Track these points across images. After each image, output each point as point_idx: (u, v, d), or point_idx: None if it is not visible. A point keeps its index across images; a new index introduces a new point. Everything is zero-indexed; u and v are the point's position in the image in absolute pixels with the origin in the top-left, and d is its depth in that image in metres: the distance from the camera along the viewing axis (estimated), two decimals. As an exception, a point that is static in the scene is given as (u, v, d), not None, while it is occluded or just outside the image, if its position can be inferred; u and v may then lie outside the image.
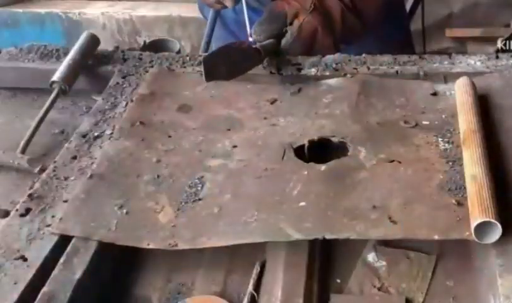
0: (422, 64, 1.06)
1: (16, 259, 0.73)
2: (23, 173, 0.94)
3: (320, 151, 0.90)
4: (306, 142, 0.90)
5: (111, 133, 0.95)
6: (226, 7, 1.22)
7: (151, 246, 0.74)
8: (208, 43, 1.47)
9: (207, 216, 0.78)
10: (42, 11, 3.18)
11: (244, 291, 0.73)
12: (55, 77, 1.07)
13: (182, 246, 0.74)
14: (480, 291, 0.71)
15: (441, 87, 1.01)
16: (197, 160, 0.89)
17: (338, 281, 0.75)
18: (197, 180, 0.84)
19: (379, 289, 0.73)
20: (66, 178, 0.87)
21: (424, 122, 0.92)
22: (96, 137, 0.95)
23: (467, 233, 0.70)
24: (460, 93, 0.93)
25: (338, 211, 0.75)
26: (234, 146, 0.91)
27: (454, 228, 0.71)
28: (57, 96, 1.06)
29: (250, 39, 1.13)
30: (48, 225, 0.78)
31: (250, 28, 1.15)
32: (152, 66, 1.13)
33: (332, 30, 1.15)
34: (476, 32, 2.58)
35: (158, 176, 0.85)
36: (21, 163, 0.94)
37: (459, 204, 0.74)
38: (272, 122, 0.96)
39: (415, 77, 1.04)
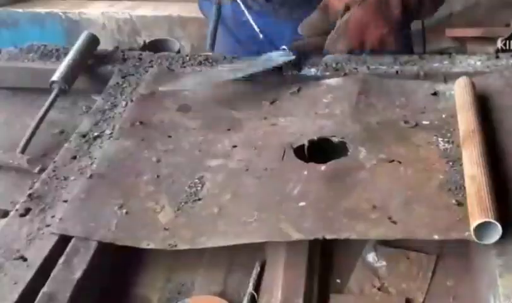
0: (422, 64, 1.06)
1: (16, 259, 0.73)
2: (22, 173, 0.94)
3: (319, 151, 0.90)
4: (306, 142, 0.90)
5: (111, 133, 0.95)
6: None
7: (151, 246, 0.74)
8: (213, 42, 1.46)
9: (207, 216, 0.78)
10: (42, 11, 3.18)
11: (244, 291, 0.73)
12: (55, 77, 1.07)
13: (182, 246, 0.74)
14: (480, 291, 0.70)
15: (441, 87, 1.01)
16: (197, 160, 0.89)
17: (338, 281, 0.75)
18: (196, 180, 0.84)
19: (379, 289, 0.73)
20: (66, 178, 0.87)
21: (424, 122, 0.92)
22: (95, 137, 0.95)
23: (467, 233, 0.69)
24: (460, 93, 0.93)
25: (338, 211, 0.75)
26: (234, 146, 0.91)
27: (454, 228, 0.71)
28: (57, 96, 1.06)
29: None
30: (48, 225, 0.78)
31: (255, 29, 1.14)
32: (152, 66, 1.13)
33: (390, 19, 1.05)
34: (476, 32, 2.58)
35: (158, 176, 0.85)
36: (21, 163, 0.94)
37: (459, 204, 0.74)
38: (272, 122, 0.96)
39: (415, 77, 1.04)
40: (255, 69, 1.07)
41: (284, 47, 1.11)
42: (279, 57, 1.10)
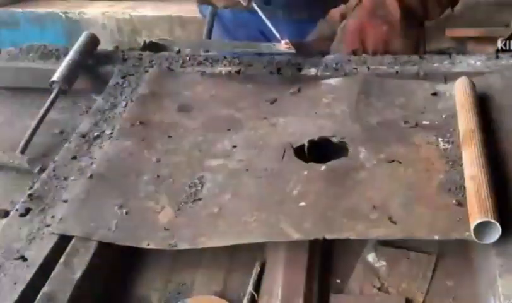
0: (422, 64, 1.06)
1: (16, 259, 0.73)
2: (23, 173, 0.94)
3: (320, 151, 0.90)
4: (306, 142, 0.90)
5: (111, 133, 0.95)
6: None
7: (151, 246, 0.74)
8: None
9: (207, 216, 0.78)
10: (42, 11, 3.18)
11: (244, 291, 0.73)
12: (55, 77, 1.07)
13: (182, 246, 0.74)
14: (480, 291, 0.71)
15: (441, 87, 1.01)
16: (197, 160, 0.89)
17: (338, 281, 0.75)
18: (197, 180, 0.84)
19: (379, 289, 0.73)
20: (66, 178, 0.87)
21: (424, 122, 0.92)
22: (95, 137, 0.95)
23: (467, 233, 0.69)
24: (460, 93, 0.93)
25: (338, 211, 0.75)
26: (234, 146, 0.91)
27: (454, 228, 0.71)
28: (57, 96, 1.06)
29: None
30: (48, 225, 0.78)
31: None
32: (152, 66, 1.13)
33: (389, 19, 1.09)
34: (476, 32, 2.58)
35: (158, 176, 0.85)
36: (21, 163, 0.94)
37: (459, 204, 0.74)
38: (272, 122, 0.96)
39: (415, 77, 1.04)
40: (254, 50, 1.09)
41: (286, 40, 1.12)
42: (280, 47, 1.11)
